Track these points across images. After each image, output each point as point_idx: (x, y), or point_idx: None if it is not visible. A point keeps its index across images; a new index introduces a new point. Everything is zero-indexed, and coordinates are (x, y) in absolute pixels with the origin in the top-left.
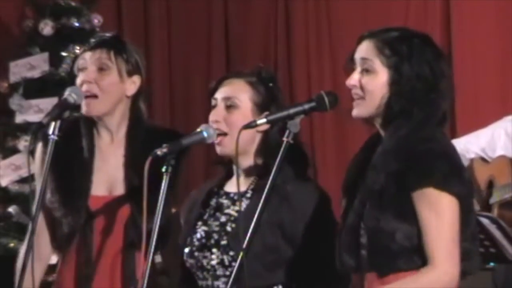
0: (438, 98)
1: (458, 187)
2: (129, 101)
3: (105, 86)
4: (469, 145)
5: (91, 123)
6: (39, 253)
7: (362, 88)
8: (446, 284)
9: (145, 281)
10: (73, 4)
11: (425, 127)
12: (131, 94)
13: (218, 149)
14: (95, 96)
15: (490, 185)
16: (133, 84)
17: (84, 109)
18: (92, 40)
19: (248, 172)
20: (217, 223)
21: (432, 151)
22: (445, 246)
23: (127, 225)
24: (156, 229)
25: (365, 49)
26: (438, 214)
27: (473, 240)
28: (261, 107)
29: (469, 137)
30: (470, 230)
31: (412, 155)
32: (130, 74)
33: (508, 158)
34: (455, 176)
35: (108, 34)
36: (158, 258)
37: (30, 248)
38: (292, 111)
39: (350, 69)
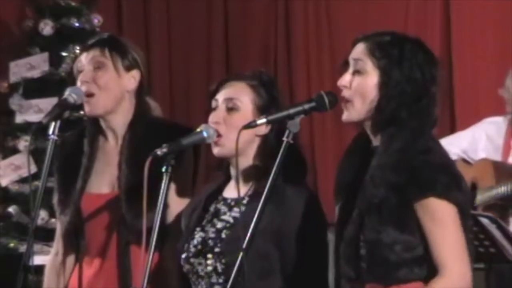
0: (429, 104)
1: (458, 196)
2: (132, 97)
3: (103, 84)
4: (450, 147)
5: (97, 127)
6: (63, 260)
7: (352, 89)
8: (463, 286)
9: (145, 281)
10: (73, 4)
11: (421, 138)
12: (131, 89)
13: (216, 150)
14: (94, 95)
15: (473, 187)
16: (132, 79)
17: (86, 110)
18: (89, 41)
19: (247, 176)
20: (213, 229)
21: (431, 164)
22: (453, 251)
23: (119, 223)
24: (156, 229)
25: (358, 51)
26: (441, 223)
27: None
28: (262, 110)
29: (449, 138)
30: (466, 236)
31: (411, 168)
32: (128, 69)
33: (490, 161)
34: (455, 186)
35: (105, 34)
36: None
37: (30, 248)
38: (292, 111)
39: (345, 72)
